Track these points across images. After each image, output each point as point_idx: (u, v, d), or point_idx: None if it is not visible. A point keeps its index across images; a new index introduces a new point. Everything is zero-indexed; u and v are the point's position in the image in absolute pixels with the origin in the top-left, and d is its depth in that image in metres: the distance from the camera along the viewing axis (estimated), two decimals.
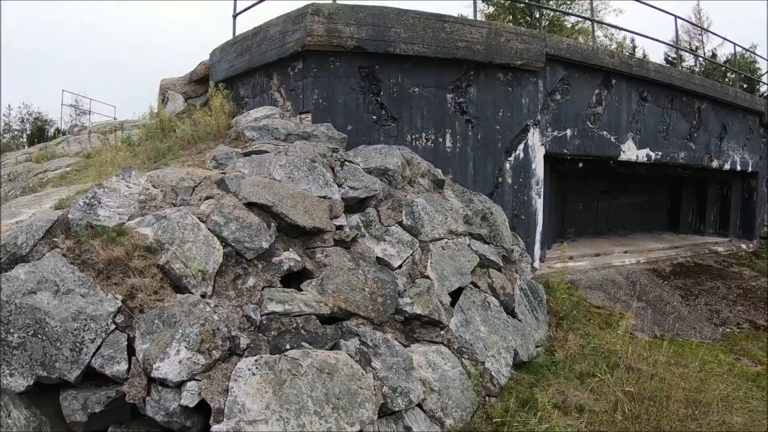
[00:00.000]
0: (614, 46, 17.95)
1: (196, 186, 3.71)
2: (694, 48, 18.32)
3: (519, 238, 5.97)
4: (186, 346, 2.62)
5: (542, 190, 6.42)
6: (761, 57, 16.88)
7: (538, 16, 14.52)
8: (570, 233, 7.92)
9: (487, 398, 3.87)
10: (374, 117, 5.51)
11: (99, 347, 2.62)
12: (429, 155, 5.56)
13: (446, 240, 4.57)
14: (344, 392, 2.89)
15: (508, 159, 6.13)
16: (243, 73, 6.37)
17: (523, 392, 4.01)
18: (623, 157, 7.36)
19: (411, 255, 4.16)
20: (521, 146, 6.23)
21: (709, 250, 8.81)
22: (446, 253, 4.47)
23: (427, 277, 4.15)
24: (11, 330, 2.56)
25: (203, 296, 2.99)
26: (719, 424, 3.74)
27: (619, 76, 7.34)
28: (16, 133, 17.29)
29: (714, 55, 19.23)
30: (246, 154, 4.43)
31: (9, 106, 19.17)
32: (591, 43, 8.08)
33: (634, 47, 19.08)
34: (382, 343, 3.37)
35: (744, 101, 9.80)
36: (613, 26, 8.01)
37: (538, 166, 6.39)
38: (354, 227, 4.07)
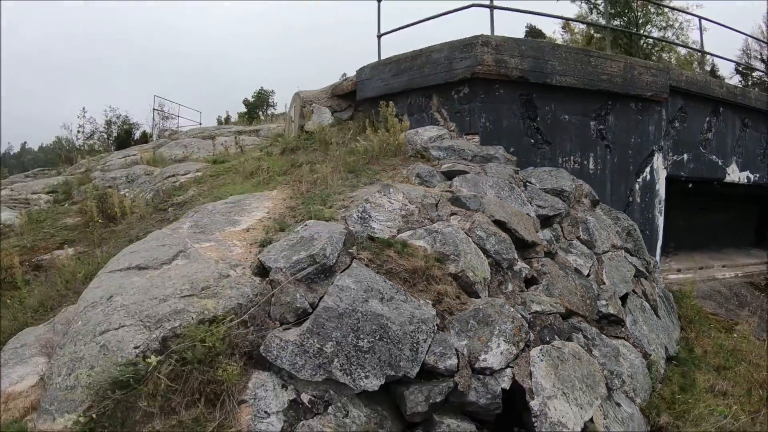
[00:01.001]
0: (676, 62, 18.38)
1: (437, 203, 4.55)
2: (765, 58, 18.66)
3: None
4: (504, 340, 3.22)
5: (663, 208, 7.22)
6: None
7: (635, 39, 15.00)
8: (671, 247, 8.67)
9: (655, 384, 4.75)
10: (532, 141, 6.34)
11: (429, 346, 2.98)
12: (576, 176, 6.38)
13: (611, 253, 5.41)
14: (588, 374, 3.76)
15: (637, 180, 6.93)
16: (398, 92, 7.20)
17: (678, 380, 4.89)
18: (728, 179, 8.12)
19: (592, 265, 5.01)
20: (648, 169, 7.02)
21: None
22: (612, 264, 5.31)
23: (604, 284, 5.01)
24: (361, 336, 2.81)
25: None
26: None
27: (725, 104, 8.05)
28: (102, 134, 18.17)
29: None
30: (446, 173, 5.28)
31: (84, 108, 19.95)
32: (704, 76, 8.79)
33: (704, 62, 19.47)
34: (596, 336, 4.25)
35: None
36: (708, 53, 8.53)
37: (661, 187, 7.18)
38: (548, 241, 4.92)
